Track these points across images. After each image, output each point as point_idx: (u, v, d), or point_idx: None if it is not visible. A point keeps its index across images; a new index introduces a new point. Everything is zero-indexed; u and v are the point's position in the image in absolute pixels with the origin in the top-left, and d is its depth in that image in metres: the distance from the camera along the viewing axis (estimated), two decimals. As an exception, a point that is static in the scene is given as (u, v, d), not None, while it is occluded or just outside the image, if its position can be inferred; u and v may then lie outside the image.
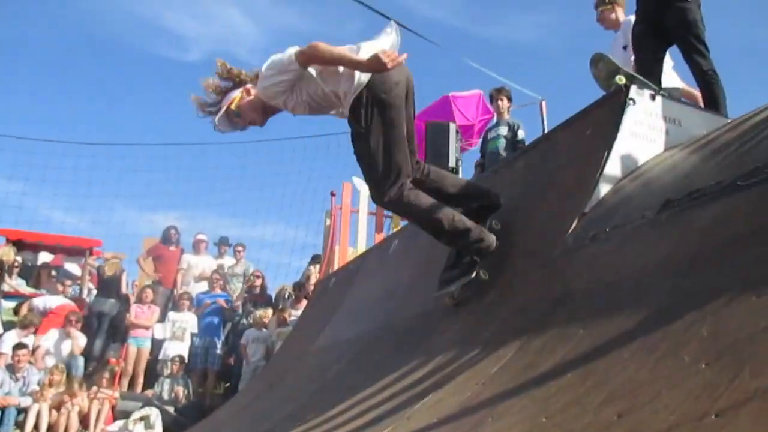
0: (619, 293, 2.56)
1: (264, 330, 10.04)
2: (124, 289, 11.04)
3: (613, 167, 3.75)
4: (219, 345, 10.31)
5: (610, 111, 3.97)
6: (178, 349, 9.93)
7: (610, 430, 1.64)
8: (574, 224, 3.51)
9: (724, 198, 2.52)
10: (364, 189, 10.58)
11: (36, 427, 8.08)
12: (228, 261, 11.90)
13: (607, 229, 3.11)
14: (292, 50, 3.55)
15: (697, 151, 3.60)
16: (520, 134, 7.61)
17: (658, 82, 4.65)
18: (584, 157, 3.98)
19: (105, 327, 10.42)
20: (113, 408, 8.66)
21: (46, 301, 10.08)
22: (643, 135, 3.91)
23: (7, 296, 10.56)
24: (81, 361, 9.37)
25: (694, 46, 4.89)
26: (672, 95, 4.57)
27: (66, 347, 9.27)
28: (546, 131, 7.58)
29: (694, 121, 4.20)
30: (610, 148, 3.76)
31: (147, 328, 9.97)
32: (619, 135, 3.80)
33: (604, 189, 3.66)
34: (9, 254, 10.72)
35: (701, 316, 1.91)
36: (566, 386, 2.11)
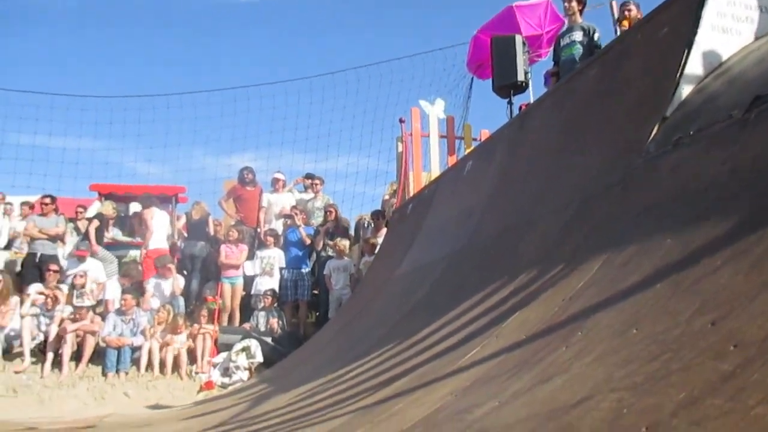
0: (706, 200, 2.48)
1: (345, 259, 10.35)
2: (211, 232, 11.56)
3: (694, 65, 3.55)
4: (306, 277, 10.73)
5: (687, 5, 3.71)
6: (268, 283, 10.41)
7: (705, 339, 1.64)
8: (654, 130, 3.38)
9: (820, 89, 2.35)
10: (432, 112, 10.46)
11: (150, 362, 8.80)
12: (307, 196, 12.18)
13: (691, 133, 2.98)
14: None
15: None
16: (597, 39, 7.20)
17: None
18: (662, 58, 3.77)
19: (198, 268, 11.01)
20: (215, 342, 9.26)
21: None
22: (727, 27, 3.66)
23: (107, 246, 11.31)
24: (182, 300, 10.01)
25: None
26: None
27: (167, 288, 9.91)
28: (619, 33, 7.16)
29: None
30: (690, 45, 3.54)
31: (237, 267, 10.45)
32: (700, 30, 3.56)
33: (686, 90, 3.48)
34: (108, 209, 11.39)
35: (798, 217, 1.83)
36: (655, 298, 2.11)
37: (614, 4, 9.61)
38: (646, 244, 2.60)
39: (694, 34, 3.56)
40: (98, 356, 8.77)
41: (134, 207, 12.10)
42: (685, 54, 3.53)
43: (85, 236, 10.70)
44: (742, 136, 2.62)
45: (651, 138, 3.35)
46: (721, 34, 3.67)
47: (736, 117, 2.71)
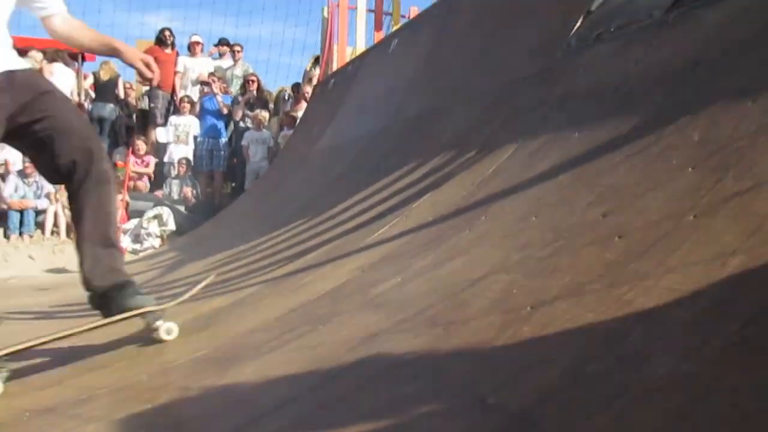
0: (617, 97, 2.56)
1: (264, 131, 10.14)
2: (121, 94, 10.94)
3: (625, -41, 3.52)
4: (223, 147, 10.48)
5: None
6: (182, 151, 10.12)
7: (594, 229, 1.75)
8: (578, 23, 3.39)
9: (736, -4, 2.41)
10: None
11: (56, 225, 8.55)
12: (225, 63, 11.63)
13: (612, 29, 3.01)
14: None
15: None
16: None
17: None
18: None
19: (107, 131, 10.50)
20: (126, 208, 9.05)
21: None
22: None
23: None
24: (89, 163, 9.62)
25: None
26: None
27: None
28: None
29: None
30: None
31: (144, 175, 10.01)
32: None
33: (612, -16, 3.47)
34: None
35: (695, 121, 1.93)
36: (557, 188, 2.21)
37: None
38: (556, 135, 2.69)
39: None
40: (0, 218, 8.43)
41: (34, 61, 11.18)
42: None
43: None
44: (658, 36, 2.68)
45: (574, 31, 3.37)
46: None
47: (656, 17, 2.75)
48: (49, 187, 8.59)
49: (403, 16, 10.10)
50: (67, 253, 8.05)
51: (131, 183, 9.58)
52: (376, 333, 1.80)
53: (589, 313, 1.33)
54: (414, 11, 9.73)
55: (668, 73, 2.38)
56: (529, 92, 3.43)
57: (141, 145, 9.88)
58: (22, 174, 8.59)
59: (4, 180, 8.63)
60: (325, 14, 10.30)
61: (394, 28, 9.34)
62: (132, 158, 9.60)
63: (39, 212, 8.48)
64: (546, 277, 1.64)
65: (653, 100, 2.32)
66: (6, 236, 8.17)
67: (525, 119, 3.22)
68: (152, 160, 10.05)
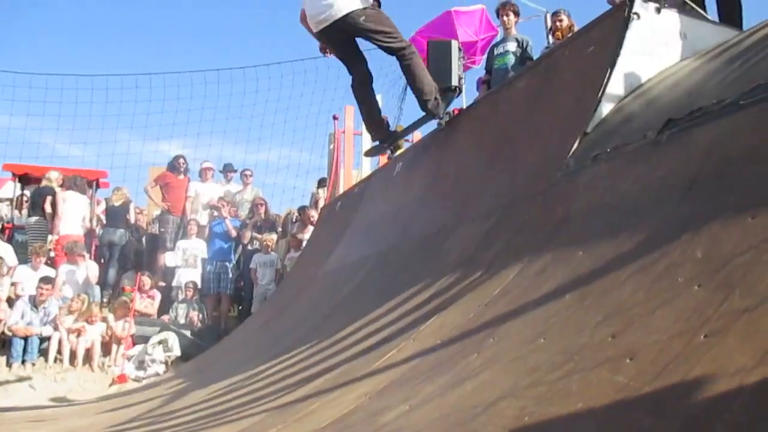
0: (618, 215, 2.59)
1: (272, 253, 10.24)
2: (132, 219, 11.18)
3: (616, 85, 3.70)
4: (230, 270, 10.53)
5: (612, 27, 3.87)
6: (190, 275, 10.17)
7: (605, 350, 1.71)
8: (575, 145, 3.51)
9: (726, 117, 2.50)
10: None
11: (59, 353, 8.41)
12: (234, 187, 11.96)
13: (608, 150, 3.11)
14: None
15: (703, 66, 3.54)
16: (529, 50, 7.42)
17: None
18: (586, 75, 3.92)
19: (116, 256, 10.62)
20: (131, 334, 8.96)
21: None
22: (648, 51, 3.83)
23: (18, 229, 10.76)
24: (97, 290, 9.63)
25: None
26: (678, 6, 4.44)
27: (80, 276, 9.49)
28: (551, 44, 7.39)
29: (702, 34, 4.09)
30: (612, 66, 3.69)
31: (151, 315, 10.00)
32: (623, 51, 3.72)
33: (606, 108, 3.63)
34: None
35: (697, 238, 1.94)
36: (564, 308, 2.19)
37: (548, 16, 9.90)
38: (561, 254, 2.70)
39: (617, 55, 3.71)
40: (2, 346, 8.33)
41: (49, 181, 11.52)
42: (608, 73, 3.68)
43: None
44: (653, 156, 2.76)
45: (571, 153, 3.48)
46: (642, 57, 3.84)
47: (650, 138, 2.85)
48: (55, 312, 8.56)
49: (407, 141, 10.49)
50: (69, 382, 7.89)
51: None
52: (384, 466, 1.72)
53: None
54: (416, 136, 10.11)
55: (666, 191, 2.43)
56: (532, 211, 3.48)
57: (146, 280, 9.89)
58: (32, 300, 8.58)
59: (11, 306, 8.61)
60: (331, 146, 10.73)
61: (399, 152, 9.67)
62: (137, 294, 9.59)
63: (43, 339, 8.38)
64: (558, 404, 1.58)
65: (654, 218, 2.34)
66: (8, 364, 8.03)
67: (529, 238, 3.25)
68: (157, 295, 10.00)
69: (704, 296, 1.65)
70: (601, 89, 3.64)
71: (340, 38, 5.52)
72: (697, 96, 2.97)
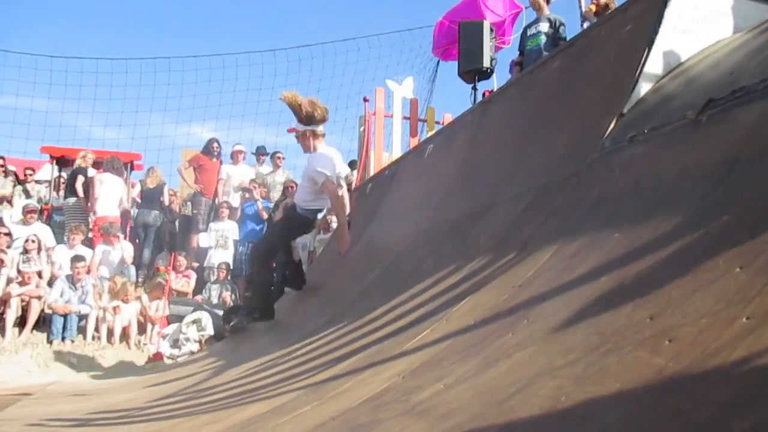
0: (655, 197, 2.55)
1: (305, 235, 10.30)
2: (166, 201, 11.36)
3: (654, 65, 3.63)
4: (261, 251, 10.64)
5: (650, 5, 3.78)
6: (222, 256, 10.32)
7: (642, 333, 1.70)
8: (611, 126, 3.45)
9: (769, 96, 2.44)
10: (397, 93, 10.44)
11: (97, 330, 8.65)
12: (265, 169, 12.06)
13: (646, 131, 3.05)
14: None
15: (745, 45, 3.44)
16: (562, 31, 7.30)
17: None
18: (623, 54, 3.85)
19: (152, 237, 10.83)
20: (166, 315, 9.16)
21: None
22: (688, 29, 3.74)
23: (56, 210, 11.01)
24: (133, 269, 9.84)
25: None
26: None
27: (116, 256, 9.70)
28: (584, 27, 7.25)
29: (744, 11, 3.97)
30: (650, 45, 3.62)
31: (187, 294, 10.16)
32: (661, 30, 3.64)
33: (644, 88, 3.56)
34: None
35: (738, 220, 1.91)
36: (600, 289, 2.17)
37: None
38: (596, 236, 2.68)
39: (656, 33, 3.63)
40: (43, 323, 8.58)
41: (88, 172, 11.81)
42: (646, 52, 3.61)
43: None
44: (693, 137, 2.70)
45: (607, 133, 3.43)
46: (682, 35, 3.75)
47: (689, 118, 2.79)
48: (92, 293, 8.78)
49: (438, 123, 10.45)
50: (107, 359, 8.10)
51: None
52: (419, 443, 1.74)
53: (644, 424, 1.26)
54: (448, 118, 10.06)
55: (706, 173, 2.38)
56: (566, 194, 3.44)
57: (182, 260, 10.08)
58: (70, 279, 8.81)
59: (51, 285, 8.86)
60: (361, 128, 10.73)
61: (429, 134, 9.64)
62: (173, 274, 9.78)
63: (82, 317, 8.62)
64: (595, 384, 1.57)
65: (693, 199, 2.30)
66: (49, 341, 8.28)
67: (563, 221, 3.22)
68: (193, 275, 10.21)
69: (746, 278, 1.62)
70: (639, 69, 3.57)
71: None
72: (740, 75, 2.90)
